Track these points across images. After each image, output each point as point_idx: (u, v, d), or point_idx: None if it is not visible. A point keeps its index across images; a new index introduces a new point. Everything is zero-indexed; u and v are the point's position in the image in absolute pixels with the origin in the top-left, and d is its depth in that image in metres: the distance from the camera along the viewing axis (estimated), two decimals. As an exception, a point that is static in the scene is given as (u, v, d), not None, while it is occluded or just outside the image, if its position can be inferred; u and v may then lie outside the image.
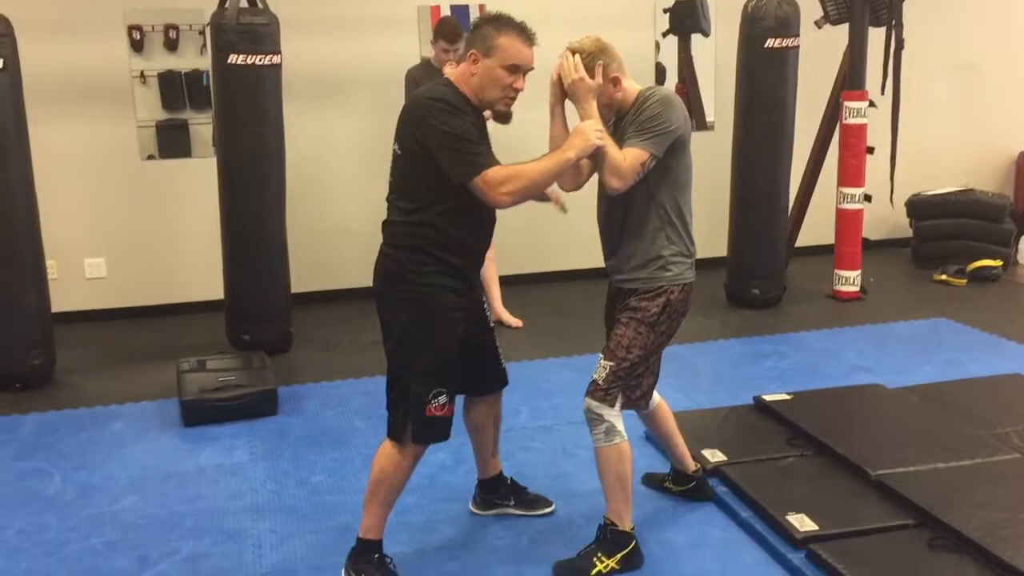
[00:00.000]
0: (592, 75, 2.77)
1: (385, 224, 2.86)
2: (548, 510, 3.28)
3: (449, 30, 5.15)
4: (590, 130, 2.71)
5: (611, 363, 2.87)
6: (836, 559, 2.78)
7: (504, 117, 2.78)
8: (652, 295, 2.87)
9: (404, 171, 2.79)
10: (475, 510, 3.33)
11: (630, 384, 2.90)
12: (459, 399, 2.96)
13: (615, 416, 2.87)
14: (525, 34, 2.73)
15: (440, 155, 2.64)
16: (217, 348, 4.91)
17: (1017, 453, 3.42)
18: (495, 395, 3.16)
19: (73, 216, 5.73)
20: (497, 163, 2.66)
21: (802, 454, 3.53)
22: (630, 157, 2.73)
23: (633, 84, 2.90)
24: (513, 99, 2.75)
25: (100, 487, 3.62)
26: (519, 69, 2.72)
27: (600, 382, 2.87)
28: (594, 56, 2.79)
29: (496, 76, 2.70)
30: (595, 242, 3.04)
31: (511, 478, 3.33)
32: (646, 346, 2.87)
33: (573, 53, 2.80)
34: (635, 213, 2.89)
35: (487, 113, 2.82)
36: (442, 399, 2.76)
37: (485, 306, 3.06)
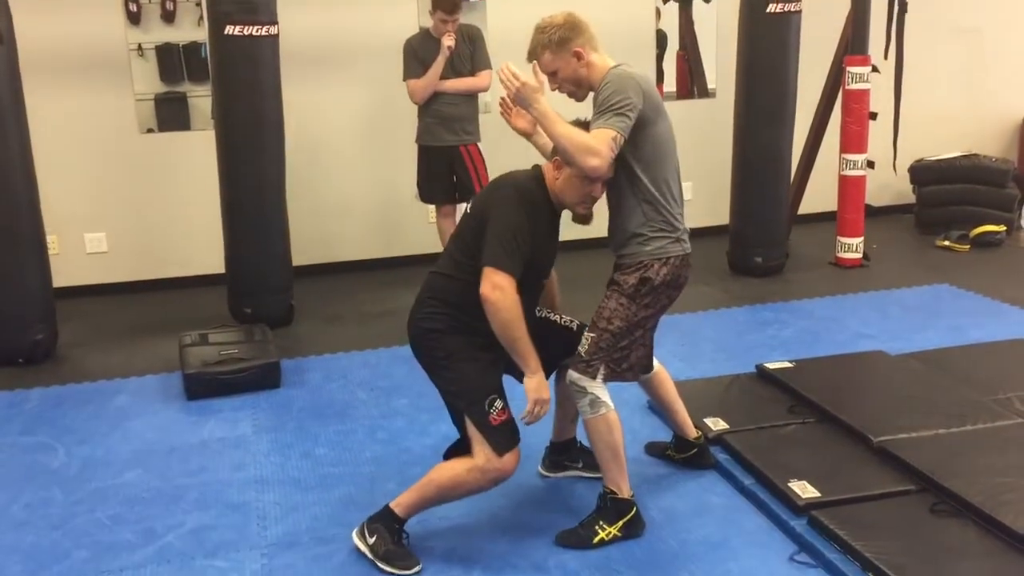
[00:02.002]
0: (535, 73, 2.81)
1: (430, 273, 2.94)
2: None
3: (448, 0, 5.10)
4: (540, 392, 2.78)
5: (592, 334, 2.89)
6: (838, 525, 2.79)
7: (584, 219, 2.93)
8: (632, 269, 2.88)
9: (464, 232, 2.91)
10: (544, 472, 3.38)
11: (614, 356, 2.89)
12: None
13: (598, 387, 2.88)
14: None
15: (489, 235, 2.75)
16: (219, 321, 4.92)
17: (1019, 418, 3.43)
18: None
19: (73, 191, 5.72)
20: (518, 275, 2.73)
21: (804, 421, 3.54)
22: (597, 134, 2.71)
23: (606, 60, 2.87)
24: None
25: (104, 461, 3.64)
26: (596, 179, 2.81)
27: (583, 354, 2.89)
28: (563, 33, 2.80)
29: (576, 184, 2.83)
30: (595, 213, 3.03)
31: (581, 441, 3.33)
32: (627, 318, 2.87)
33: (529, 57, 2.85)
34: (615, 191, 2.91)
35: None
36: (498, 403, 2.78)
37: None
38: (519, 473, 3.31)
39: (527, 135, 3.10)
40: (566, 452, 3.37)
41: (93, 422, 4.00)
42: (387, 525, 2.87)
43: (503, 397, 2.82)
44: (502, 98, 3.03)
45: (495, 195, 2.86)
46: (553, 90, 2.90)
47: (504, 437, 2.79)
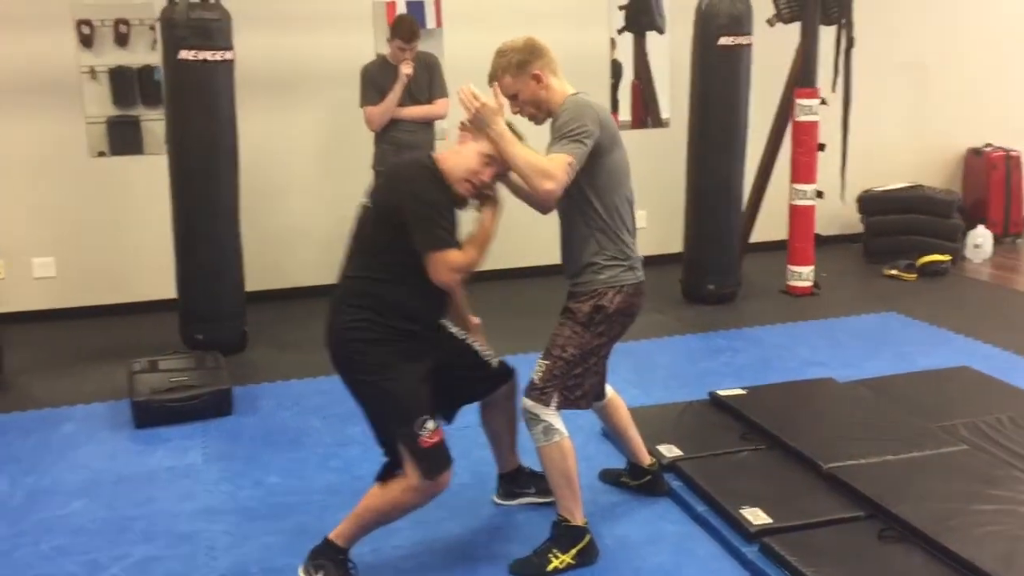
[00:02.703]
0: (495, 95, 2.83)
1: (342, 278, 2.86)
2: None
3: (405, 28, 5.13)
4: (496, 210, 2.85)
5: (547, 362, 2.90)
6: (789, 551, 2.82)
7: (461, 202, 2.85)
8: (585, 297, 2.90)
9: (369, 227, 2.82)
10: (499, 500, 3.36)
11: (568, 384, 2.90)
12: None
13: (551, 415, 2.88)
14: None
15: (412, 221, 2.69)
16: (170, 348, 4.85)
17: (964, 445, 3.49)
18: (502, 393, 3.13)
19: (20, 215, 5.63)
20: (458, 247, 2.72)
21: (756, 448, 3.57)
22: (554, 159, 2.73)
23: (565, 87, 2.91)
24: (475, 187, 2.82)
25: (50, 491, 3.56)
26: (494, 162, 2.80)
27: (536, 381, 2.90)
28: (523, 56, 2.83)
29: (469, 157, 2.80)
30: (552, 239, 3.05)
31: (529, 467, 3.32)
32: (581, 346, 2.89)
33: (490, 80, 2.87)
34: (569, 220, 2.93)
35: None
36: (430, 425, 2.73)
37: (447, 326, 3.05)
38: (473, 501, 3.32)
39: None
40: (515, 481, 3.35)
41: (39, 451, 3.91)
42: (331, 558, 2.83)
43: (433, 415, 2.78)
44: (462, 122, 3.03)
45: (400, 184, 2.81)
46: (515, 113, 2.92)
47: (435, 461, 2.75)
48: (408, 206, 2.71)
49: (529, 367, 2.99)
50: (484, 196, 2.86)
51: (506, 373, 3.14)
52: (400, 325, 2.76)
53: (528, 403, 2.89)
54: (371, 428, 2.89)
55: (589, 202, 2.86)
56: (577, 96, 2.87)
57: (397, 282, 2.75)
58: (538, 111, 2.91)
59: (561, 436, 2.89)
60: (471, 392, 3.09)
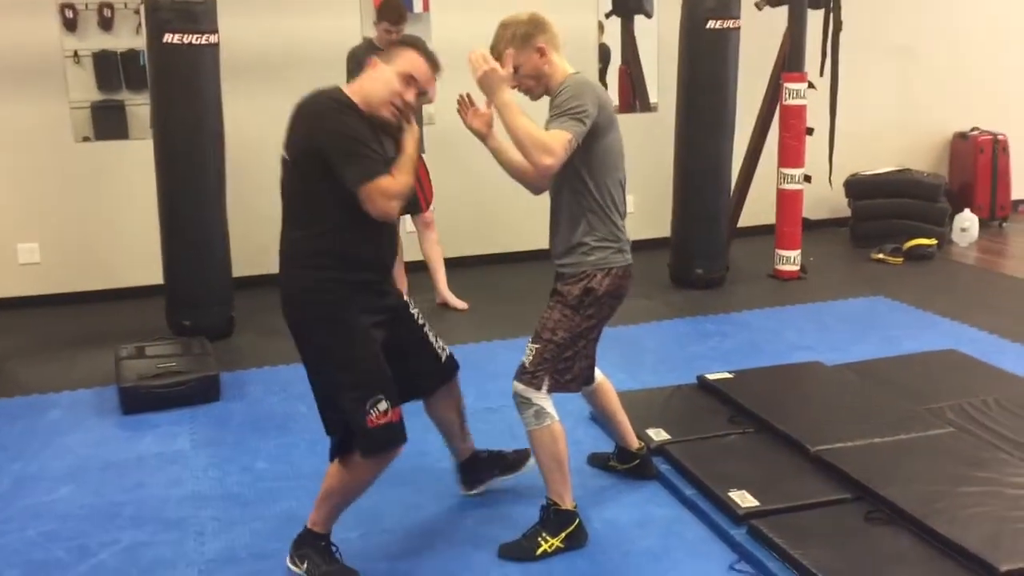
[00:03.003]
0: (503, 64, 2.77)
1: (281, 241, 2.77)
2: (531, 461, 3.17)
3: (392, 10, 5.09)
4: (414, 133, 2.74)
5: (537, 345, 2.89)
6: (776, 534, 2.83)
7: (386, 127, 2.70)
8: (575, 279, 2.88)
9: (296, 180, 2.69)
10: (464, 491, 3.32)
11: (558, 367, 2.90)
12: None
13: (543, 398, 2.88)
14: (431, 58, 2.74)
15: (335, 159, 2.56)
16: (157, 334, 4.83)
17: (951, 427, 3.51)
18: (447, 387, 3.09)
19: (4, 200, 5.58)
20: (387, 172, 2.59)
21: (743, 431, 3.58)
22: (554, 134, 2.71)
23: (565, 66, 2.89)
24: (399, 111, 2.68)
25: (37, 477, 3.55)
26: (414, 82, 2.68)
27: (527, 365, 2.89)
28: (527, 28, 2.81)
29: (388, 79, 2.66)
30: (538, 224, 3.04)
31: (487, 451, 3.31)
32: (571, 328, 2.88)
33: (492, 50, 2.82)
34: (561, 199, 2.91)
35: None
36: (382, 406, 2.65)
37: (410, 305, 2.98)
38: (461, 487, 3.32)
39: (482, 137, 2.99)
40: (475, 467, 3.30)
41: (26, 437, 3.90)
42: (313, 546, 2.82)
43: (390, 395, 2.68)
44: (460, 96, 2.97)
45: (312, 124, 2.61)
46: (512, 87, 2.86)
47: (377, 442, 2.68)
48: (327, 144, 2.56)
49: (515, 353, 2.99)
50: (403, 119, 2.72)
51: (452, 369, 3.08)
52: (354, 277, 2.66)
53: (519, 387, 2.89)
54: (319, 401, 2.77)
55: (583, 181, 2.85)
56: (578, 75, 2.86)
57: (340, 231, 2.64)
58: (537, 85, 2.88)
59: (552, 420, 2.89)
60: (416, 387, 2.98)
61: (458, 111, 3.05)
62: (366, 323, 2.70)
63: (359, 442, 2.70)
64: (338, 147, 2.57)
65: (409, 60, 2.69)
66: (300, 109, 2.67)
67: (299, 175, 2.67)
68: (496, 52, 2.84)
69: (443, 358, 3.05)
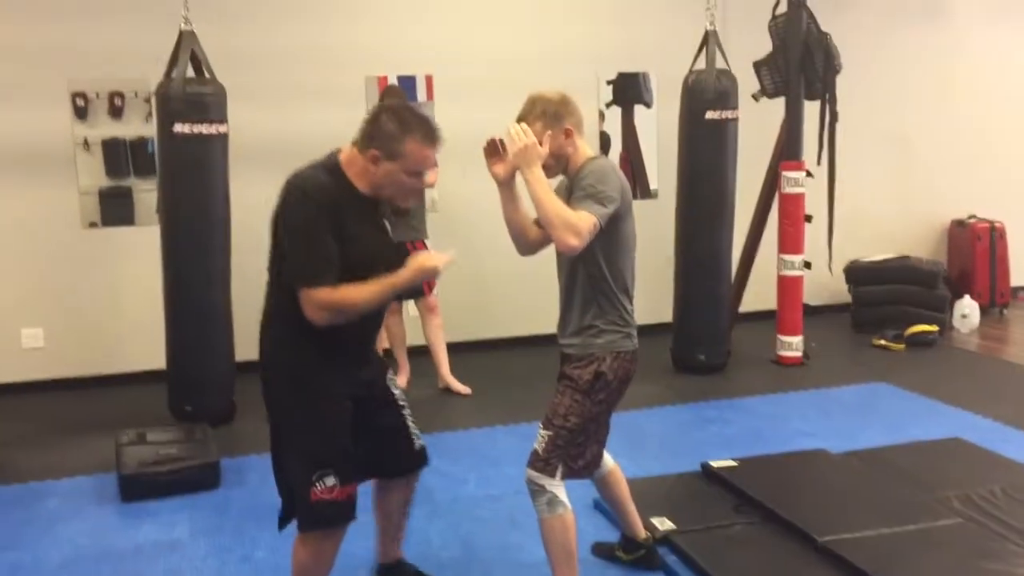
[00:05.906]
0: (541, 142, 2.80)
1: (265, 299, 2.73)
2: None
3: (394, 97, 5.20)
4: (425, 260, 2.65)
5: (549, 432, 2.87)
6: (785, 628, 2.78)
7: (401, 212, 2.73)
8: (584, 363, 2.88)
9: (275, 248, 2.65)
10: None
11: (571, 453, 2.89)
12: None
13: (556, 486, 2.86)
14: (431, 136, 2.65)
15: (286, 248, 2.54)
16: (158, 420, 4.81)
17: (958, 518, 3.47)
18: (407, 478, 2.99)
19: (10, 285, 5.62)
20: (333, 281, 2.50)
21: (750, 521, 3.54)
22: (583, 216, 2.72)
23: (586, 148, 2.93)
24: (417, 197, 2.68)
25: (32, 567, 3.49)
26: (423, 173, 2.69)
27: (540, 452, 2.86)
28: (559, 108, 2.85)
29: (399, 180, 2.63)
30: (540, 309, 3.06)
31: (414, 567, 3.17)
32: (582, 414, 2.87)
33: (519, 121, 2.83)
34: (573, 280, 2.93)
35: None
36: (328, 481, 2.56)
37: (391, 385, 2.92)
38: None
39: (499, 182, 2.92)
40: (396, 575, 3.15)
41: (22, 527, 3.85)
42: None
43: (341, 472, 2.60)
44: (491, 140, 2.89)
45: (281, 201, 2.59)
46: None
47: (315, 517, 2.59)
48: (283, 232, 2.53)
49: (518, 439, 2.97)
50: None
51: (420, 461, 2.98)
52: (330, 341, 2.59)
53: (533, 474, 2.86)
54: (272, 460, 2.72)
55: (599, 265, 2.87)
56: (602, 159, 2.91)
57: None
58: (556, 164, 2.90)
59: (564, 508, 2.86)
60: (379, 467, 2.89)
61: (484, 149, 2.94)
62: (337, 391, 2.64)
63: (298, 512, 2.65)
64: (289, 240, 2.54)
65: (413, 156, 2.62)
66: (284, 186, 2.65)
67: (277, 245, 2.64)
68: (521, 122, 2.84)
69: (415, 446, 2.95)
